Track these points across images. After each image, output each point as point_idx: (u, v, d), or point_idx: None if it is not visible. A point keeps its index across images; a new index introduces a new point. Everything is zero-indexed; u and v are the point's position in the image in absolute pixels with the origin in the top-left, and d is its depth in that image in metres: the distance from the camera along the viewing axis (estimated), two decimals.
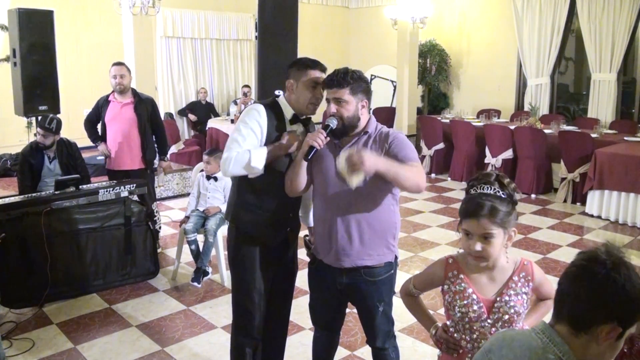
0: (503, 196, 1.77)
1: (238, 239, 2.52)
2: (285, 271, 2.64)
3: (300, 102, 2.42)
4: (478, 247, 1.76)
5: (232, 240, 2.55)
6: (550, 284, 1.84)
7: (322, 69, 2.42)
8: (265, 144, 2.37)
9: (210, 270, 4.35)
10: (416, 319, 2.11)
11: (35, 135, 4.49)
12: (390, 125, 8.88)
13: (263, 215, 2.44)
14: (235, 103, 9.01)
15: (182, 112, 9.00)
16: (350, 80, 2.22)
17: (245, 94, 8.66)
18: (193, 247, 4.28)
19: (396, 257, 2.39)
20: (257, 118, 2.38)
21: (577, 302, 1.16)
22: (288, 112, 2.45)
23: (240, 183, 2.47)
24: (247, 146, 2.33)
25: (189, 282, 4.27)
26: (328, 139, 2.25)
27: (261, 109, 2.40)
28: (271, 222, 2.46)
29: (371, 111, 2.38)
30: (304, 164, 2.30)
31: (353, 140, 2.29)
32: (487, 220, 1.74)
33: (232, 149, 2.33)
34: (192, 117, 8.84)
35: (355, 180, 2.06)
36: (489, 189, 1.78)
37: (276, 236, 2.51)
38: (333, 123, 2.23)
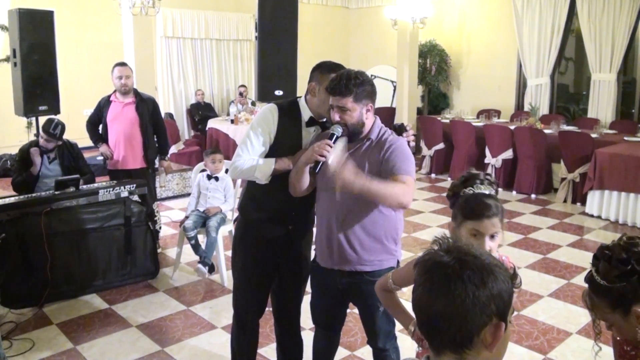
0: (495, 194, 1.81)
1: (242, 228, 2.62)
2: (291, 269, 2.64)
3: (320, 106, 2.38)
4: (488, 246, 1.72)
5: (239, 229, 2.64)
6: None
7: None
8: (275, 145, 2.41)
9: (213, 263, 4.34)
10: (392, 314, 2.08)
11: (35, 135, 4.49)
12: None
13: (266, 209, 2.50)
14: (233, 103, 9.01)
15: (193, 111, 9.01)
16: (353, 87, 2.17)
17: (241, 94, 8.65)
18: (193, 242, 4.26)
19: (398, 262, 2.37)
20: (267, 121, 2.41)
21: (447, 323, 1.02)
22: (306, 114, 2.43)
23: None
24: (255, 152, 2.40)
25: (189, 283, 4.28)
26: (332, 148, 2.20)
27: (274, 109, 2.43)
28: (272, 217, 2.51)
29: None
30: (306, 170, 2.29)
31: (356, 147, 2.27)
32: (497, 219, 1.75)
33: (241, 156, 2.41)
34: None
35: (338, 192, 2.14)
36: (486, 189, 1.80)
37: (275, 230, 2.52)
38: (338, 131, 2.20)
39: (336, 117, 2.21)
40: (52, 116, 4.68)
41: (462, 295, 1.00)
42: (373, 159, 2.23)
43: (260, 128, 2.41)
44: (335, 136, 2.20)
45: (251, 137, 2.42)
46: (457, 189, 1.86)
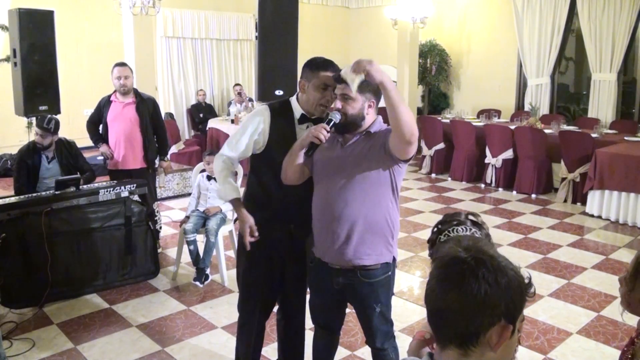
0: (480, 236, 1.56)
1: None
2: (295, 268, 2.63)
3: (309, 103, 2.43)
4: None
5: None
6: None
7: (335, 70, 2.38)
8: (269, 144, 2.45)
9: (209, 272, 4.34)
10: None
11: (35, 135, 4.49)
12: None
13: (266, 209, 2.52)
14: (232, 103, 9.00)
15: (194, 112, 9.01)
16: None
17: (239, 94, 8.64)
18: (192, 247, 4.25)
19: (394, 259, 2.36)
20: (258, 121, 2.46)
21: (456, 317, 1.03)
22: (297, 112, 2.47)
23: (250, 177, 2.60)
24: (239, 150, 2.48)
25: (189, 282, 4.27)
26: (329, 133, 2.23)
27: (265, 110, 2.48)
28: (272, 216, 2.52)
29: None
30: (300, 154, 2.31)
31: (355, 138, 2.28)
32: None
33: (223, 152, 2.53)
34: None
35: (357, 81, 2.07)
36: (464, 229, 1.57)
37: (277, 230, 2.53)
38: (336, 117, 2.22)
39: (337, 104, 2.24)
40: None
41: (474, 292, 1.01)
42: (375, 148, 2.23)
43: (249, 128, 2.46)
44: (332, 122, 2.22)
45: (239, 134, 2.49)
46: (435, 234, 1.62)
